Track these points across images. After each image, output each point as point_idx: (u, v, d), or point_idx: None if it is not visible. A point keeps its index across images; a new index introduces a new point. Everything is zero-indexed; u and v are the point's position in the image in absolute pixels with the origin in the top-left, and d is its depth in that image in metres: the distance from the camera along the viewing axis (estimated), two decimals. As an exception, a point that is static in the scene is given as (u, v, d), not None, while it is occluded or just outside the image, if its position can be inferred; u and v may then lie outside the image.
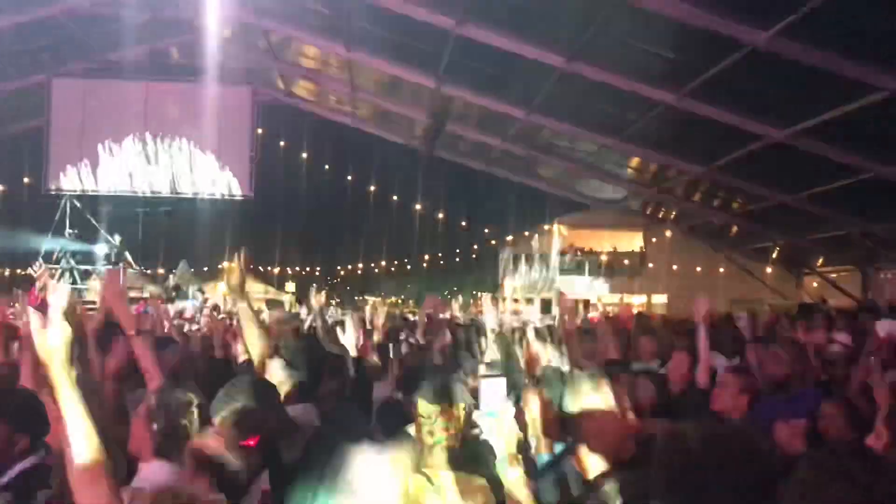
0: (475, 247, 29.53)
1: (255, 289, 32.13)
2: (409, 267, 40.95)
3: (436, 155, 18.56)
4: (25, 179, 20.81)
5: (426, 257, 37.75)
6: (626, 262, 22.52)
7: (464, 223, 26.10)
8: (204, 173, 18.51)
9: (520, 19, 11.59)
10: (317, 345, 4.17)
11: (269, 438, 2.06)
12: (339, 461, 1.69)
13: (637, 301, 21.66)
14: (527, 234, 23.91)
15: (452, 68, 14.08)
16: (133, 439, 2.51)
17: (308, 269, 40.38)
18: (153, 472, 2.35)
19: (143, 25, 18.01)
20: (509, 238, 24.32)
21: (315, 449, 2.43)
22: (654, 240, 22.11)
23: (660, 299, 22.04)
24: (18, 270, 25.51)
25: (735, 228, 18.98)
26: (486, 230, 26.27)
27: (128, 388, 3.57)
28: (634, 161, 16.98)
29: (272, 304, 24.64)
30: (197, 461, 1.97)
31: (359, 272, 41.62)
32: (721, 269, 21.19)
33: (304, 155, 22.75)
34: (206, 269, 32.44)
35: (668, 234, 21.56)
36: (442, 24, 12.34)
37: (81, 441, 1.74)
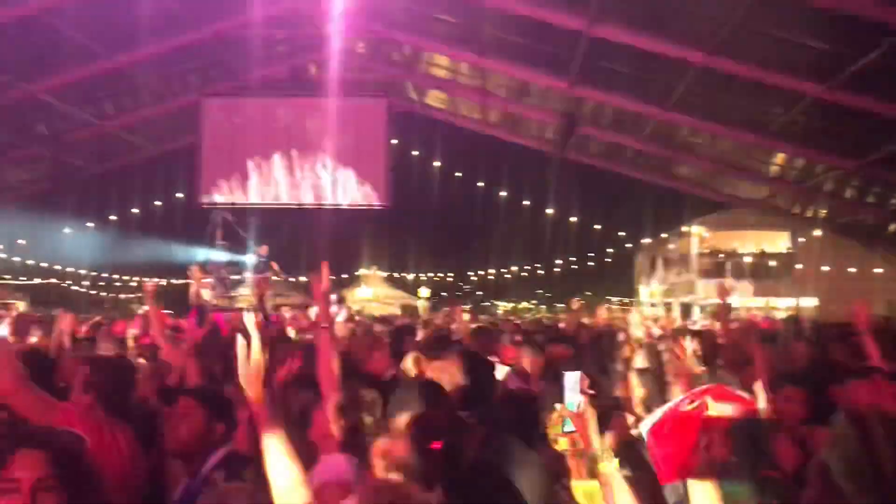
0: (609, 251, 29.04)
1: (391, 294, 32.95)
2: (540, 272, 40.82)
3: (568, 158, 18.39)
4: (179, 194, 22.23)
5: (558, 262, 37.50)
6: (771, 263, 21.46)
7: (597, 227, 25.69)
8: (343, 184, 19.14)
9: (655, 16, 11.33)
10: (472, 353, 4.20)
11: (452, 442, 2.09)
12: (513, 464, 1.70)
13: (784, 304, 20.61)
14: (664, 236, 23.25)
15: (585, 69, 13.93)
16: (316, 433, 2.65)
17: (441, 274, 41.00)
18: (336, 464, 2.46)
19: (282, 45, 18.90)
20: (645, 241, 23.69)
21: (488, 452, 2.46)
22: (801, 240, 20.94)
23: (809, 303, 20.87)
24: (173, 281, 27.25)
25: (893, 226, 17.74)
26: (621, 233, 25.75)
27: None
28: (779, 157, 16.19)
29: (406, 309, 25.18)
30: (387, 461, 2.04)
31: (490, 278, 41.86)
32: (877, 270, 19.83)
33: (437, 163, 23.09)
34: (345, 276, 33.51)
35: (818, 233, 20.39)
36: (574, 26, 12.23)
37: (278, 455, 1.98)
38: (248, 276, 17.99)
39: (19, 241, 23.26)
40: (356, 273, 33.48)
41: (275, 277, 19.19)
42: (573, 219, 24.76)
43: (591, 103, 16.27)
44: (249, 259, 17.99)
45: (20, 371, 3.04)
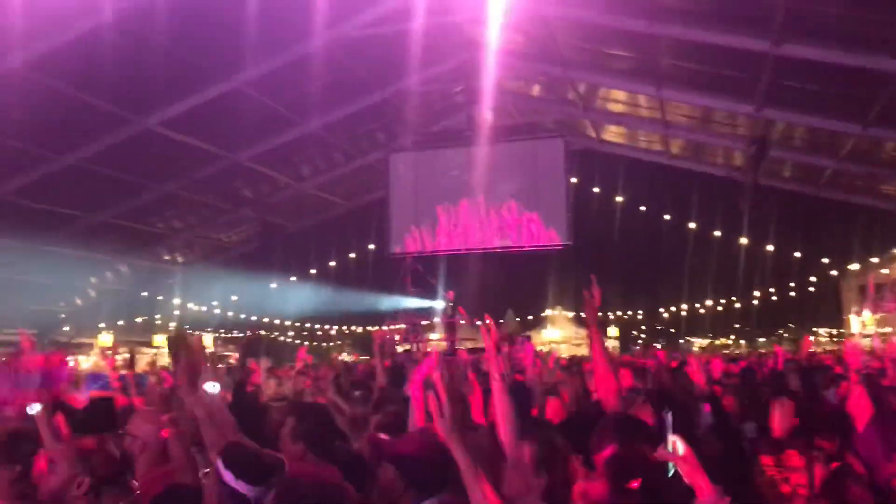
0: (812, 279, 27.09)
1: (579, 334, 32.51)
2: (737, 305, 38.73)
3: (759, 183, 17.47)
4: (371, 245, 23.40)
5: (756, 294, 35.42)
6: None
7: (797, 254, 24.08)
8: (525, 226, 19.32)
9: (845, 28, 10.62)
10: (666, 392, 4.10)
11: (651, 480, 2.06)
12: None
13: None
14: (875, 260, 21.35)
15: (771, 91, 13.28)
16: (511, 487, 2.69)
17: (630, 312, 39.98)
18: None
19: (459, 95, 19.54)
20: (853, 267, 21.87)
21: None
22: None
23: None
24: (369, 328, 28.51)
25: None
26: (824, 260, 23.97)
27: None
28: None
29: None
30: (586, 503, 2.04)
31: (683, 313, 40.26)
32: None
33: (619, 198, 22.74)
34: (531, 317, 33.55)
35: None
36: (756, 48, 11.73)
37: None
38: (438, 321, 18.51)
39: (233, 297, 25.38)
40: (542, 314, 33.41)
41: (462, 322, 19.59)
42: (769, 247, 23.41)
43: (780, 125, 15.43)
44: (439, 304, 18.52)
45: (235, 426, 3.19)
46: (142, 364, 24.75)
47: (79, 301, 22.49)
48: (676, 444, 2.14)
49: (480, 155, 18.74)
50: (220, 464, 2.63)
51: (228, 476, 2.57)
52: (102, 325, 24.88)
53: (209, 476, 2.73)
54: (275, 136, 17.37)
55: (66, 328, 23.27)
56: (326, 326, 31.91)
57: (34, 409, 3.15)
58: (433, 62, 16.34)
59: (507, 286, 22.76)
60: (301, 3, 12.00)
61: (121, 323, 25.93)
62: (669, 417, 2.22)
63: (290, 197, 21.30)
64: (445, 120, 20.14)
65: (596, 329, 4.02)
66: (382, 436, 3.63)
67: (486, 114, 20.02)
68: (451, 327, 18.64)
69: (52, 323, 21.49)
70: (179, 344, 3.07)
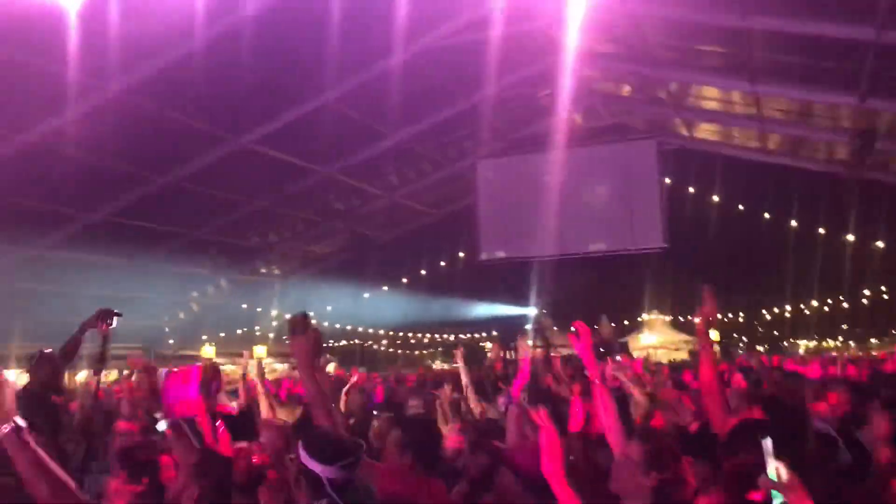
0: (928, 276, 25.54)
1: (677, 339, 31.64)
2: (844, 305, 36.91)
3: (866, 178, 16.59)
4: (461, 253, 23.45)
5: (865, 293, 33.67)
6: None
7: (910, 250, 22.74)
8: (620, 229, 18.95)
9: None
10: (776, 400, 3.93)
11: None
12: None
13: None
14: None
15: (876, 81, 12.57)
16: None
17: (730, 315, 38.65)
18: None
19: (546, 99, 19.34)
20: (974, 262, 20.50)
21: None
22: None
23: None
24: (459, 336, 28.56)
25: None
26: (941, 256, 22.57)
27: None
28: None
29: (696, 354, 24.01)
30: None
31: (786, 315, 38.63)
32: None
33: (715, 198, 22.02)
34: (626, 322, 32.89)
35: None
36: (859, 36, 11.14)
37: None
38: (530, 327, 18.35)
39: (327, 308, 25.89)
40: (639, 319, 32.71)
41: (555, 328, 19.36)
42: (879, 244, 22.20)
43: (887, 116, 14.60)
44: (531, 311, 18.37)
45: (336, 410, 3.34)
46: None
47: (182, 315, 23.37)
48: (780, 470, 2.01)
49: (571, 158, 18.49)
50: (299, 444, 2.73)
51: (303, 454, 2.66)
52: (205, 337, 25.77)
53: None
54: (364, 148, 17.62)
55: (171, 341, 24.20)
56: (419, 335, 32.15)
57: (163, 425, 3.27)
58: (518, 67, 16.25)
59: (600, 291, 22.35)
60: (382, 20, 12.12)
61: (222, 335, 26.80)
62: (769, 443, 2.07)
63: (381, 207, 21.57)
64: (533, 125, 19.97)
65: (708, 345, 3.87)
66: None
67: (576, 117, 19.77)
68: (543, 334, 18.45)
69: (158, 337, 22.39)
70: (300, 324, 3.14)
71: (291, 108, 14.65)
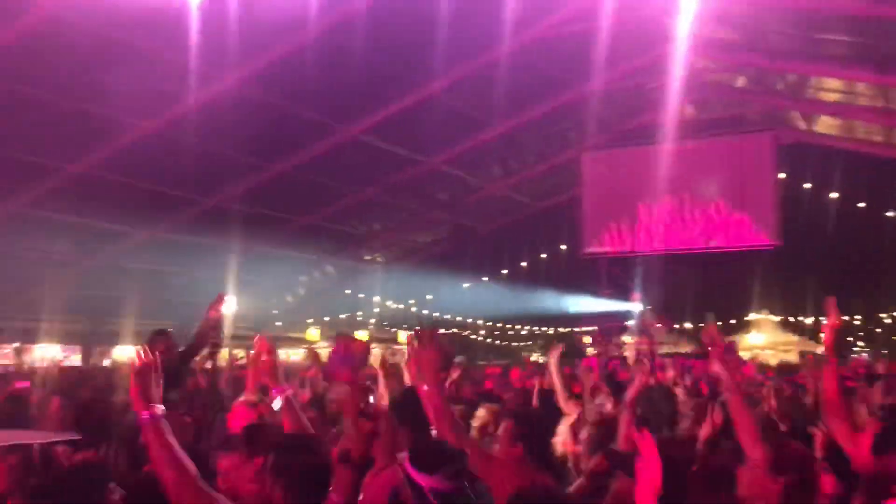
0: None
1: (787, 340, 30.37)
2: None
3: None
4: (563, 246, 23.21)
5: None
6: None
7: None
8: (728, 225, 18.33)
9: None
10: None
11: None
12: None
13: None
14: None
15: None
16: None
17: (846, 317, 36.76)
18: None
19: (656, 91, 18.86)
20: None
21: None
22: None
23: None
24: (559, 329, 28.32)
25: None
26: None
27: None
28: None
29: (806, 356, 22.97)
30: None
31: (907, 319, 36.39)
32: None
33: (833, 194, 20.97)
34: (733, 321, 31.81)
35: None
36: None
37: None
38: (633, 324, 18.01)
39: (427, 296, 26.16)
40: (746, 318, 31.55)
41: (658, 325, 18.93)
42: None
43: None
44: (634, 307, 18.02)
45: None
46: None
47: (289, 298, 24.11)
48: None
49: (680, 152, 17.98)
50: (406, 453, 2.71)
51: (407, 463, 2.62)
52: (310, 320, 26.51)
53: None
54: (467, 139, 17.68)
55: (279, 324, 25.00)
56: (518, 327, 32.06)
57: (278, 403, 3.37)
58: (628, 56, 15.94)
59: (706, 288, 21.66)
60: (491, 10, 12.10)
61: (326, 319, 27.51)
62: None
63: (483, 198, 21.59)
64: (641, 116, 19.52)
65: (834, 360, 3.76)
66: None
67: (687, 108, 19.21)
68: (647, 331, 18.07)
69: (266, 319, 23.17)
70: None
71: (398, 99, 14.85)
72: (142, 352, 2.62)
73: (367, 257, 24.00)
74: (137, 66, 11.57)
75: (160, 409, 2.51)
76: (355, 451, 2.48)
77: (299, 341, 27.61)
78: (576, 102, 17.49)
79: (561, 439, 4.31)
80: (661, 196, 18.53)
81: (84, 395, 8.26)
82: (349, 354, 2.75)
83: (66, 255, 17.46)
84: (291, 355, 26.20)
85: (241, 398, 4.62)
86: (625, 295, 19.33)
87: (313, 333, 27.29)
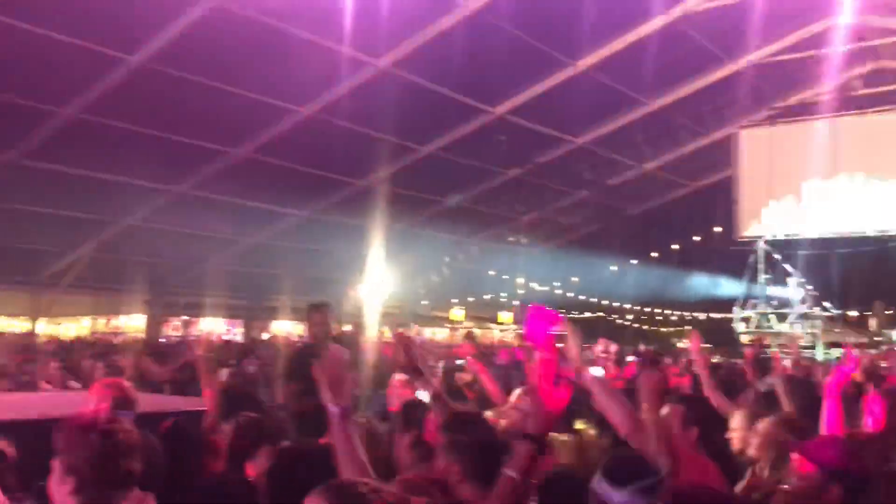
0: None
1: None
2: None
3: None
4: (717, 228, 22.20)
5: None
6: None
7: None
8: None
9: None
10: None
11: None
12: None
13: None
14: None
15: None
16: None
17: None
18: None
19: (821, 64, 17.62)
20: None
21: None
22: None
23: None
24: (712, 315, 27.22)
25: None
26: None
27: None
28: None
29: None
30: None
31: None
32: None
33: None
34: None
35: None
36: None
37: None
38: (793, 310, 17.04)
39: (573, 279, 25.81)
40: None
41: (822, 313, 17.80)
42: None
43: None
44: (794, 293, 17.02)
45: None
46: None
47: (434, 278, 24.47)
48: None
49: (847, 128, 16.74)
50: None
51: (596, 477, 2.47)
52: (455, 300, 26.85)
53: None
54: (617, 117, 17.26)
55: (424, 302, 25.48)
56: (667, 312, 31.04)
57: (424, 395, 3.37)
58: (788, 27, 14.97)
59: (875, 275, 20.11)
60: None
61: (470, 299, 27.77)
62: None
63: (632, 179, 21.01)
64: (803, 91, 18.31)
65: None
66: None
67: (854, 82, 17.86)
68: (809, 318, 17.03)
69: (412, 298, 23.66)
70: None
71: (545, 78, 14.69)
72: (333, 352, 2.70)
73: (512, 238, 23.94)
74: (294, 54, 12.02)
75: (348, 404, 2.57)
76: (533, 425, 2.41)
77: (443, 320, 28.08)
78: (732, 77, 16.64)
79: (738, 433, 4.06)
80: (830, 175, 17.31)
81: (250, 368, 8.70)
82: (545, 319, 2.62)
83: (229, 234, 18.51)
84: (437, 334, 26.67)
85: (398, 376, 4.67)
86: (784, 280, 18.26)
87: (457, 313, 27.64)
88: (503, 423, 3.52)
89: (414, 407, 3.39)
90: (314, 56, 12.26)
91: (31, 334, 18.48)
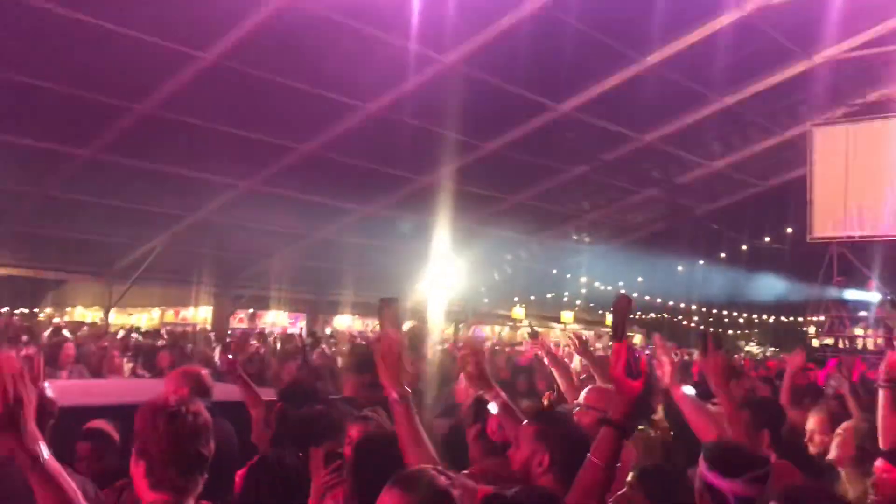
0: None
1: None
2: None
3: None
4: (788, 229, 21.61)
5: None
6: None
7: None
8: None
9: None
10: None
11: None
12: None
13: None
14: None
15: None
16: None
17: None
18: None
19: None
20: None
21: None
22: None
23: None
24: (781, 318, 26.50)
25: None
26: None
27: None
28: None
29: None
30: None
31: None
32: None
33: None
34: None
35: None
36: None
37: None
38: (870, 315, 16.44)
39: (637, 279, 25.44)
40: None
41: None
42: None
43: None
44: (871, 297, 16.42)
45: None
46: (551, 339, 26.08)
47: (496, 276, 24.42)
48: None
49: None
50: (701, 455, 2.64)
51: (703, 466, 2.55)
52: (516, 298, 26.75)
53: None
54: (684, 114, 16.89)
55: (486, 300, 25.44)
56: (734, 314, 30.36)
57: (494, 408, 3.34)
58: (867, 21, 14.41)
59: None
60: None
61: (532, 298, 27.63)
62: None
63: (700, 177, 20.57)
64: (882, 87, 17.60)
65: None
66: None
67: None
68: (886, 324, 16.37)
69: (474, 295, 23.62)
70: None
71: (613, 74, 14.47)
72: (389, 334, 2.73)
73: (575, 237, 23.72)
74: (362, 50, 12.10)
75: (406, 390, 2.61)
76: (616, 412, 2.39)
77: (505, 318, 28.00)
78: (807, 73, 16.10)
79: (817, 437, 3.95)
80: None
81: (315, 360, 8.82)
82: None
83: (296, 229, 18.80)
84: (499, 331, 26.62)
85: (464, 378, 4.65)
86: (861, 284, 17.60)
87: (518, 312, 27.53)
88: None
89: (483, 402, 3.37)
90: (381, 53, 12.31)
91: (104, 324, 19.11)
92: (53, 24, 10.41)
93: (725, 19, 13.07)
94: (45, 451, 1.92)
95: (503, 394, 3.34)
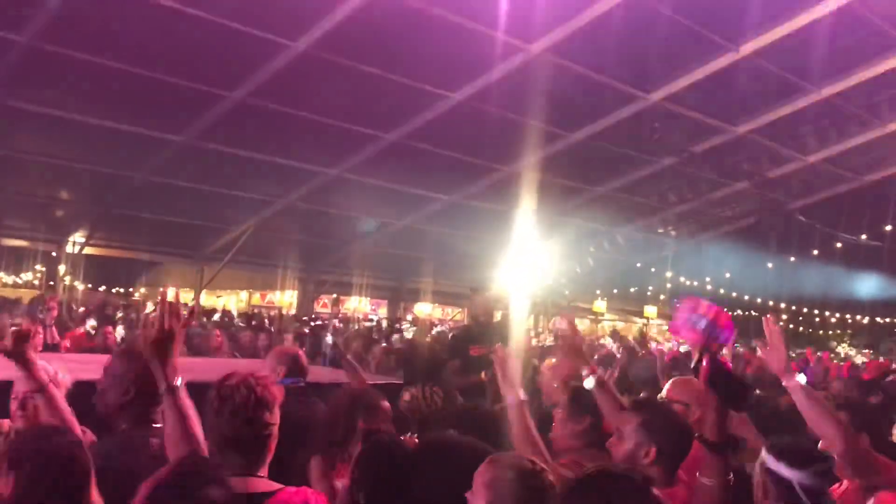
0: None
1: None
2: None
3: None
4: (887, 227, 20.69)
5: None
6: None
7: None
8: None
9: None
10: None
11: None
12: None
13: None
14: None
15: None
16: None
17: None
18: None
19: None
20: None
21: None
22: None
23: None
24: (877, 319, 25.44)
25: None
26: None
27: None
28: None
29: None
30: None
31: None
32: None
33: None
34: None
35: None
36: None
37: None
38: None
39: (725, 274, 24.76)
40: None
41: None
42: None
43: None
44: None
45: None
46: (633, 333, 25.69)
47: (577, 268, 24.16)
48: None
49: None
50: (767, 446, 2.70)
51: (770, 458, 2.60)
52: (598, 291, 26.42)
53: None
54: (779, 105, 16.31)
55: (566, 292, 25.21)
56: (826, 313, 29.23)
57: (591, 382, 3.36)
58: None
59: None
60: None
61: (615, 291, 27.24)
62: None
63: (794, 171, 19.85)
64: None
65: None
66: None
67: None
68: None
69: (554, 287, 23.42)
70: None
71: (705, 64, 14.09)
72: (499, 350, 2.96)
73: (661, 230, 23.24)
74: (449, 40, 12.13)
75: (523, 394, 2.85)
76: (710, 431, 2.45)
77: (586, 311, 27.70)
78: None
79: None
80: None
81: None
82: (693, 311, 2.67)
83: (378, 216, 19.08)
84: (579, 325, 26.27)
85: (548, 361, 4.69)
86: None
87: (600, 305, 27.18)
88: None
89: (582, 393, 3.40)
90: (468, 42, 12.31)
91: (196, 305, 19.83)
92: (152, 14, 10.80)
93: (827, 6, 12.54)
94: (179, 381, 2.31)
95: (599, 370, 3.41)
